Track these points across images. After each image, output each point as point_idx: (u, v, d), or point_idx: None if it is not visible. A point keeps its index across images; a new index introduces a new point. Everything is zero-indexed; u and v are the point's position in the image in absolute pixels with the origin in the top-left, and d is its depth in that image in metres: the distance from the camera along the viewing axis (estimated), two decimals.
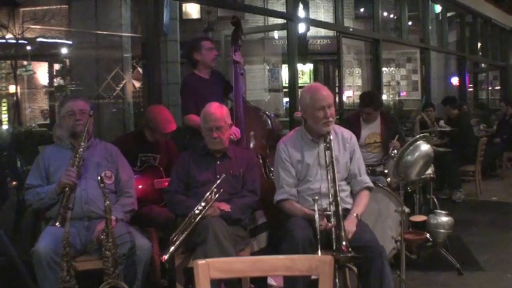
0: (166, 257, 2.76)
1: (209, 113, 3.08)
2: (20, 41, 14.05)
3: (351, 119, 4.81)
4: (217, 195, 2.89)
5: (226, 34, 6.21)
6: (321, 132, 2.92)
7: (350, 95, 10.41)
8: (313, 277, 1.68)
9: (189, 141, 3.87)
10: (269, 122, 4.01)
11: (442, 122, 6.98)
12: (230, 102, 4.09)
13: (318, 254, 2.58)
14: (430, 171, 3.97)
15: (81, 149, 2.91)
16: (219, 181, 2.92)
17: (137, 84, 8.95)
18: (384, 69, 8.67)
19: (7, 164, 4.49)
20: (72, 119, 2.97)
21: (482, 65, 13.49)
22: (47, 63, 16.66)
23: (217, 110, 3.10)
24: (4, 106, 16.30)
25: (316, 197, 2.74)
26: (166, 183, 3.32)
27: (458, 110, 7.06)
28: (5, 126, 15.50)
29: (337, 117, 6.08)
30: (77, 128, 2.96)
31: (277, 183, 3.01)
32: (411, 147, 3.04)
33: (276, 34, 12.77)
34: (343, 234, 2.58)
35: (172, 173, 3.21)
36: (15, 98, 15.56)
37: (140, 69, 8.66)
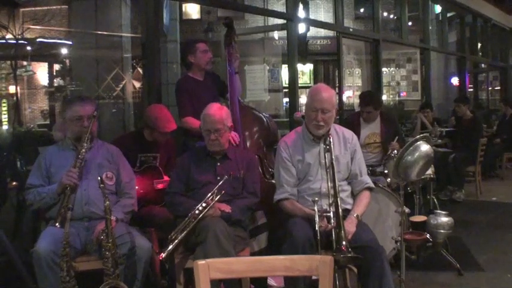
0: (164, 255, 2.75)
1: (208, 115, 3.07)
2: (20, 41, 14.08)
3: (350, 119, 4.83)
4: (218, 196, 2.89)
5: None
6: (313, 133, 2.93)
7: (350, 95, 10.42)
8: (313, 277, 1.68)
9: (185, 142, 3.86)
10: (265, 121, 4.00)
11: (453, 119, 6.92)
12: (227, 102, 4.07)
13: (318, 254, 2.58)
14: (430, 171, 3.97)
15: (83, 150, 2.89)
16: (221, 182, 2.92)
17: (137, 85, 8.96)
18: (383, 69, 8.66)
19: (7, 164, 4.49)
20: (79, 124, 2.94)
21: (482, 65, 13.49)
22: (46, 63, 16.69)
23: (217, 112, 3.09)
24: (4, 106, 16.33)
25: (316, 198, 2.74)
26: (166, 184, 3.32)
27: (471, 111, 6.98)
28: (5, 127, 15.52)
29: (337, 117, 6.07)
30: (83, 134, 2.93)
31: (278, 182, 3.01)
32: (411, 148, 3.03)
33: (276, 34, 12.76)
34: (342, 234, 2.58)
35: (172, 174, 3.21)
36: (15, 98, 15.58)
37: (140, 70, 8.67)
